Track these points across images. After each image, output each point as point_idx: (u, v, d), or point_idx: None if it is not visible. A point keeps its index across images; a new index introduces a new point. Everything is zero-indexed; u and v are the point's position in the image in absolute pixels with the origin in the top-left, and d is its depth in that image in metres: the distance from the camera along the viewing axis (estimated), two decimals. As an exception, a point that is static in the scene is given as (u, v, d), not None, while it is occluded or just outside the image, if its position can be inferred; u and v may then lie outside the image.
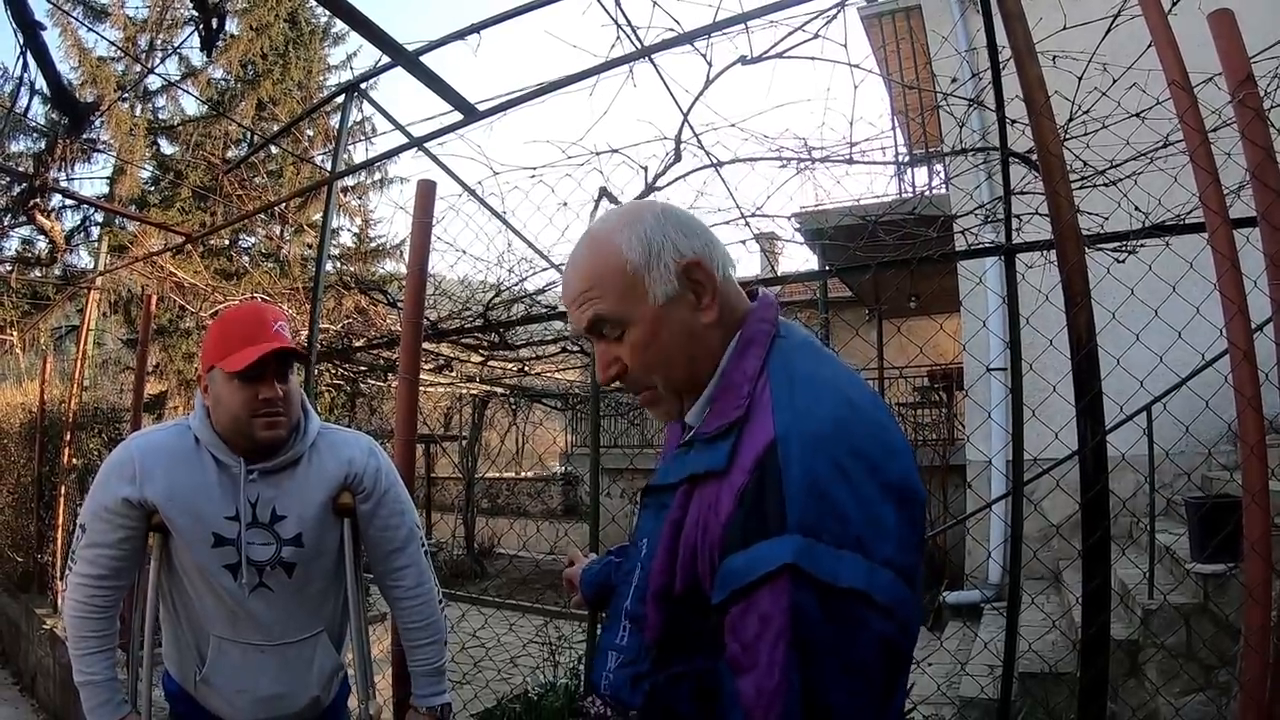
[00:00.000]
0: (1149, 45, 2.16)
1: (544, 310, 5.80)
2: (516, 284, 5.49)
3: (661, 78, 3.48)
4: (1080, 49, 3.12)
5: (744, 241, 4.56)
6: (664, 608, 1.07)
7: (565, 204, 3.76)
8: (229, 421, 1.84)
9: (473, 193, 4.32)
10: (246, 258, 14.73)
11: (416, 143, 3.73)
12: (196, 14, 4.25)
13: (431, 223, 2.88)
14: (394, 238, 16.76)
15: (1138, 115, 3.19)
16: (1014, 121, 3.45)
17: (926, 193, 7.39)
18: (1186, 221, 2.91)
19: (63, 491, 6.53)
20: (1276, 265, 1.92)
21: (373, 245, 17.17)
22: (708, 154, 4.12)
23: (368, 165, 14.43)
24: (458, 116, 3.22)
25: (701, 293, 1.12)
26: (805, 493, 0.93)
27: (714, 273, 1.13)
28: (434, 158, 4.06)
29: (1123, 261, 3.03)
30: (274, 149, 14.11)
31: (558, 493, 16.14)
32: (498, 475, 16.08)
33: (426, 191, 2.88)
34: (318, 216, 13.17)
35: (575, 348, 7.12)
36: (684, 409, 1.16)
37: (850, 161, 3.60)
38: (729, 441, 1.03)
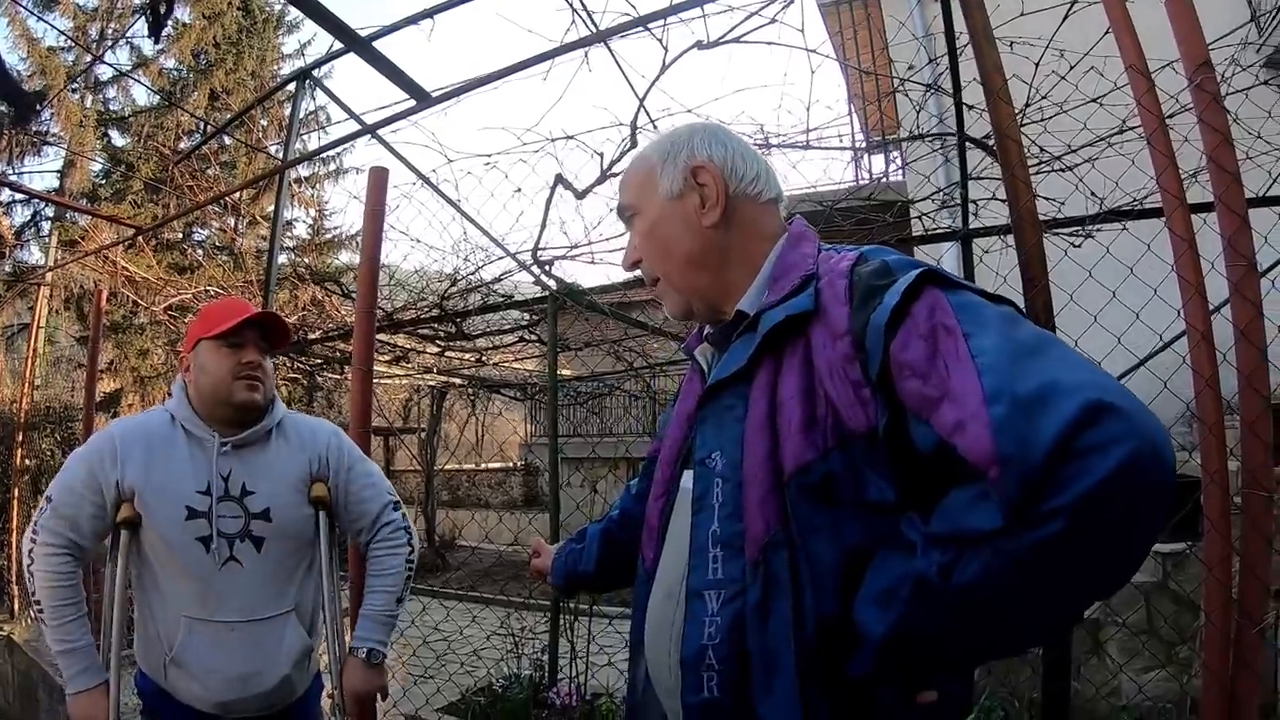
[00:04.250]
0: (1106, 31, 2.16)
1: (500, 299, 5.76)
2: (473, 273, 5.43)
3: (617, 63, 3.44)
4: (1038, 35, 3.13)
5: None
6: (777, 497, 1.02)
7: (520, 190, 3.72)
8: (211, 389, 1.96)
9: (426, 180, 4.25)
10: (200, 251, 14.42)
11: (369, 129, 3.65)
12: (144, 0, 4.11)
13: (384, 211, 2.84)
14: (349, 229, 16.52)
15: (1095, 100, 3.21)
16: (971, 107, 3.47)
17: (884, 179, 7.41)
18: (1144, 206, 2.93)
19: (16, 494, 6.35)
20: (1234, 248, 1.93)
21: (328, 237, 16.91)
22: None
23: (319, 153, 14.12)
24: (412, 104, 3.16)
25: (706, 196, 1.19)
26: (906, 262, 1.01)
27: (724, 180, 1.19)
28: (387, 145, 4.00)
29: (1079, 245, 3.04)
30: (227, 139, 13.83)
31: (518, 483, 16.03)
32: (457, 467, 15.96)
33: (379, 179, 2.84)
34: (272, 208, 12.92)
35: (533, 337, 7.07)
36: (691, 310, 1.24)
37: (807, 146, 3.59)
38: (808, 291, 1.07)
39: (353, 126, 4.34)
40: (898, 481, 0.98)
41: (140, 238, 7.09)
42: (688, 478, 1.17)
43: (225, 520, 1.91)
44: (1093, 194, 3.18)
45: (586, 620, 4.96)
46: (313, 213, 17.32)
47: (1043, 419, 0.78)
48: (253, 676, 1.92)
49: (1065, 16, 3.04)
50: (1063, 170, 3.53)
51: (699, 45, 3.17)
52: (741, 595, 1.03)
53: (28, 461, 6.45)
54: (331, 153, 16.28)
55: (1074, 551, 0.79)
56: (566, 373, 10.67)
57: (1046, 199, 3.14)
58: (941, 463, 0.89)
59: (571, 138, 4.00)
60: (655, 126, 4.03)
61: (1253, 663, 1.78)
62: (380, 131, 3.84)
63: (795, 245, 1.18)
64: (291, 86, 4.68)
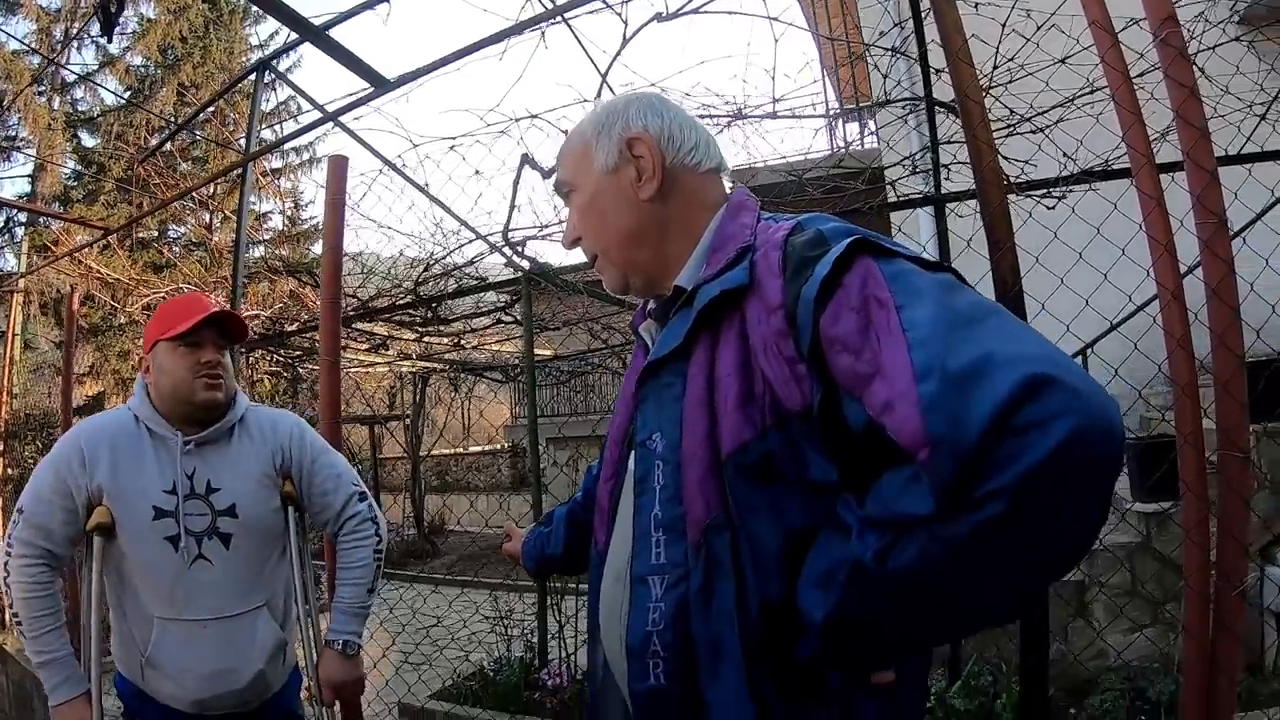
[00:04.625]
0: (1071, -10, 2.11)
1: (474, 282, 5.72)
2: (444, 256, 5.38)
3: (576, 38, 3.37)
4: (1002, -2, 3.08)
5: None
6: (715, 477, 0.98)
7: (479, 172, 3.69)
8: (171, 389, 1.94)
9: (391, 165, 4.20)
10: (177, 249, 14.27)
11: (330, 117, 3.59)
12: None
13: (345, 199, 2.79)
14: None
15: (1061, 61, 3.17)
16: (939, 71, 3.43)
17: (849, 146, 7.36)
18: (1113, 167, 2.89)
19: (0, 504, 6.28)
20: (1204, 205, 1.89)
21: (304, 227, 16.76)
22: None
23: (280, 144, 14.05)
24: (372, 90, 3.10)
25: (642, 168, 1.14)
26: (842, 230, 0.97)
27: (660, 151, 1.15)
28: (350, 132, 3.92)
29: (1051, 208, 3.01)
30: (197, 134, 13.66)
31: (506, 465, 16.04)
32: (444, 452, 15.94)
33: (338, 167, 2.79)
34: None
35: (509, 318, 7.03)
36: (628, 285, 1.20)
37: (774, 116, 3.53)
38: (743, 264, 1.02)
39: (318, 114, 4.27)
40: (838, 460, 0.93)
41: (113, 238, 7.01)
42: (633, 458, 1.12)
43: (192, 519, 1.90)
44: (1065, 154, 3.14)
45: (574, 599, 4.96)
46: (288, 204, 17.16)
47: (977, 395, 0.73)
48: (227, 673, 1.92)
49: (1030, -24, 3.00)
50: (1030, 132, 3.50)
51: (658, 17, 3.11)
52: (685, 580, 0.99)
53: (10, 471, 6.36)
54: (303, 143, 16.27)
55: (1016, 535, 0.75)
56: (546, 353, 10.62)
57: (1014, 160, 3.11)
58: (873, 442, 0.84)
59: (535, 117, 3.95)
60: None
61: (1232, 625, 1.76)
62: (345, 119, 3.78)
63: (734, 216, 1.13)
64: (252, 77, 4.57)
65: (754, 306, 0.98)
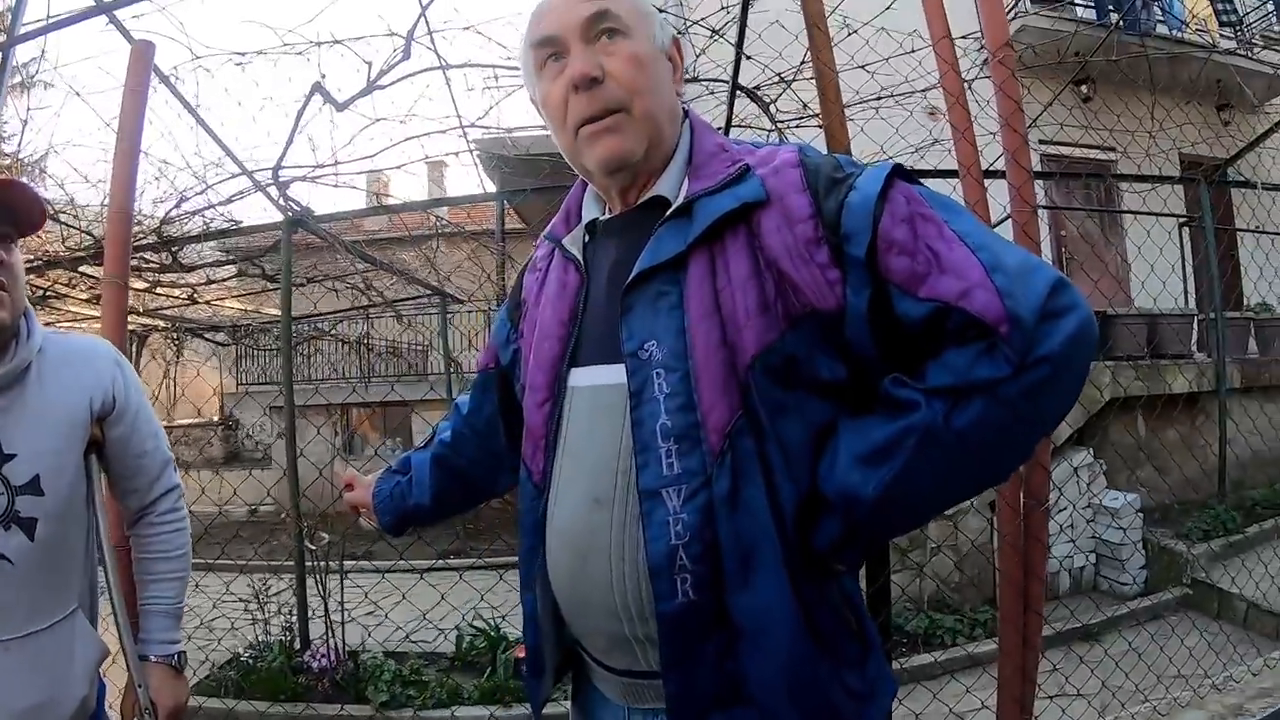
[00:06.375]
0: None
1: (227, 224, 5.21)
2: (200, 192, 4.80)
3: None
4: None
5: (458, 153, 4.52)
6: (734, 382, 1.03)
7: (270, 99, 3.41)
8: None
9: (166, 80, 3.68)
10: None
11: (104, 9, 3.09)
12: None
13: (147, 92, 2.49)
14: (35, 152, 13.81)
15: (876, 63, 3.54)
16: (750, 58, 3.69)
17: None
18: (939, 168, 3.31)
19: None
20: (1021, 196, 2.25)
21: (5, 162, 13.99)
22: (438, 56, 3.99)
23: (56, 27, 11.56)
24: None
25: (677, 68, 1.21)
26: (847, 159, 1.12)
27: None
28: (124, 31, 3.38)
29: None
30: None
31: (218, 438, 14.63)
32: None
33: (142, 54, 2.51)
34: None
35: (255, 271, 6.40)
36: (636, 158, 1.13)
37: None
38: (750, 181, 1.09)
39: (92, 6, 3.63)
40: (848, 361, 1.06)
41: None
42: (580, 376, 1.15)
43: None
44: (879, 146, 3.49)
45: (333, 577, 4.70)
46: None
47: (1031, 286, 0.95)
48: (44, 708, 1.42)
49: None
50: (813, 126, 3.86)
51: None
52: (706, 487, 1.02)
53: None
54: (20, 60, 13.55)
55: (1050, 390, 0.97)
56: (274, 312, 9.84)
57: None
58: (929, 329, 1.00)
59: (339, 43, 3.70)
60: (433, 39, 3.90)
61: (1040, 536, 2.12)
62: (121, 16, 3.27)
63: (706, 132, 1.20)
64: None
65: (769, 218, 1.06)
